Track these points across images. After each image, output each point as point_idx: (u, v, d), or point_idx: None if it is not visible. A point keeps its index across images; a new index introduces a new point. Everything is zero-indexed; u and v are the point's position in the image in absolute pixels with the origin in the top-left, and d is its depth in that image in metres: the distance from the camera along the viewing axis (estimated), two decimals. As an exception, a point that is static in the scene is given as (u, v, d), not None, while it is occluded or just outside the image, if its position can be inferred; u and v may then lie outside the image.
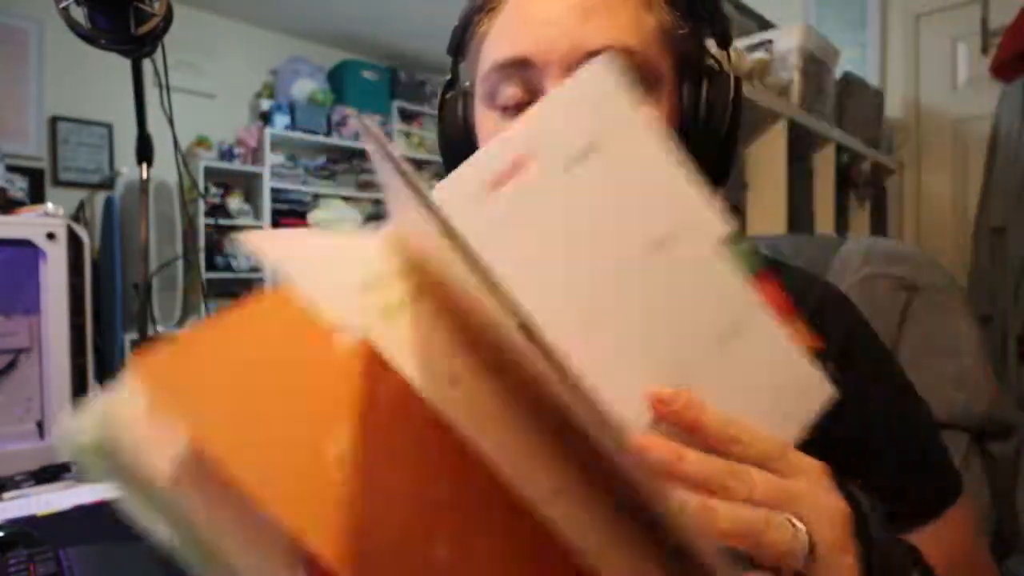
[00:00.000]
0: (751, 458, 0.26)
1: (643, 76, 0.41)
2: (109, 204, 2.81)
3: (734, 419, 0.27)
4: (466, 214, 0.23)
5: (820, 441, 0.43)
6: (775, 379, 0.29)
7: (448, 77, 0.52)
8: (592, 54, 0.39)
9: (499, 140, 0.25)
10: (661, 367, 0.27)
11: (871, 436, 0.44)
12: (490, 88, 0.44)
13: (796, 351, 0.29)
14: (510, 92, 0.42)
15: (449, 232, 0.19)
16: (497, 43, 0.43)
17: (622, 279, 0.26)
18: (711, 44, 0.48)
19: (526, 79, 0.42)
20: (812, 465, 0.28)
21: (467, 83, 0.50)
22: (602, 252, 0.26)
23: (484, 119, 0.46)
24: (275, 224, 3.41)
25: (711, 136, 0.45)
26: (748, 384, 0.28)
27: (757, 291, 0.28)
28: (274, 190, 3.40)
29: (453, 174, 0.25)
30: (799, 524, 0.26)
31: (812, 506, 0.27)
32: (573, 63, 0.40)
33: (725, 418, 0.27)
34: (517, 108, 0.43)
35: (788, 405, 0.30)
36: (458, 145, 0.50)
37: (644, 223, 0.27)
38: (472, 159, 0.25)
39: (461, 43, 0.49)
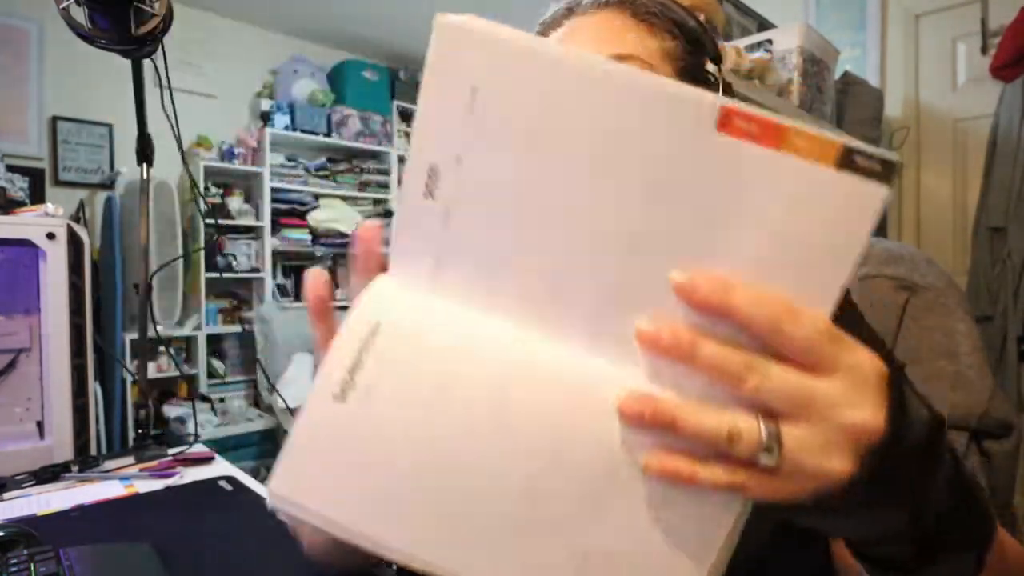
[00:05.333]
0: (787, 349, 0.24)
1: None
2: (109, 204, 2.82)
3: (767, 297, 0.24)
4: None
5: None
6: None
7: None
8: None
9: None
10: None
11: None
12: None
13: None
14: None
15: None
16: None
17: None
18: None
19: None
20: (860, 362, 0.25)
21: None
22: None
23: None
24: (275, 224, 3.41)
25: None
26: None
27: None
28: (274, 190, 3.39)
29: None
30: (765, 429, 0.24)
31: (828, 418, 0.24)
32: None
33: (756, 297, 0.24)
34: None
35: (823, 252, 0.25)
36: None
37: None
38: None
39: None
